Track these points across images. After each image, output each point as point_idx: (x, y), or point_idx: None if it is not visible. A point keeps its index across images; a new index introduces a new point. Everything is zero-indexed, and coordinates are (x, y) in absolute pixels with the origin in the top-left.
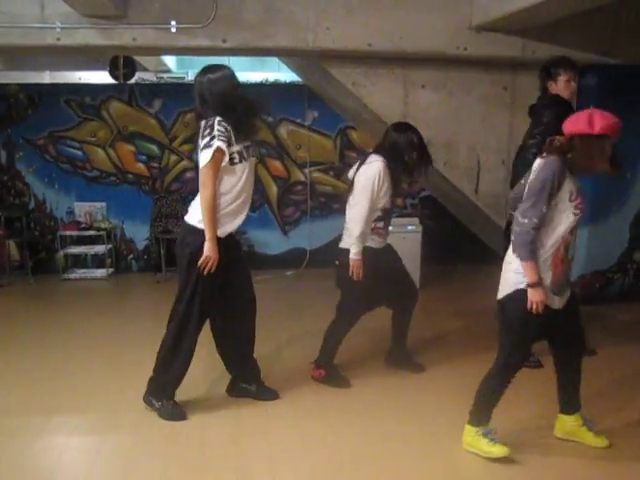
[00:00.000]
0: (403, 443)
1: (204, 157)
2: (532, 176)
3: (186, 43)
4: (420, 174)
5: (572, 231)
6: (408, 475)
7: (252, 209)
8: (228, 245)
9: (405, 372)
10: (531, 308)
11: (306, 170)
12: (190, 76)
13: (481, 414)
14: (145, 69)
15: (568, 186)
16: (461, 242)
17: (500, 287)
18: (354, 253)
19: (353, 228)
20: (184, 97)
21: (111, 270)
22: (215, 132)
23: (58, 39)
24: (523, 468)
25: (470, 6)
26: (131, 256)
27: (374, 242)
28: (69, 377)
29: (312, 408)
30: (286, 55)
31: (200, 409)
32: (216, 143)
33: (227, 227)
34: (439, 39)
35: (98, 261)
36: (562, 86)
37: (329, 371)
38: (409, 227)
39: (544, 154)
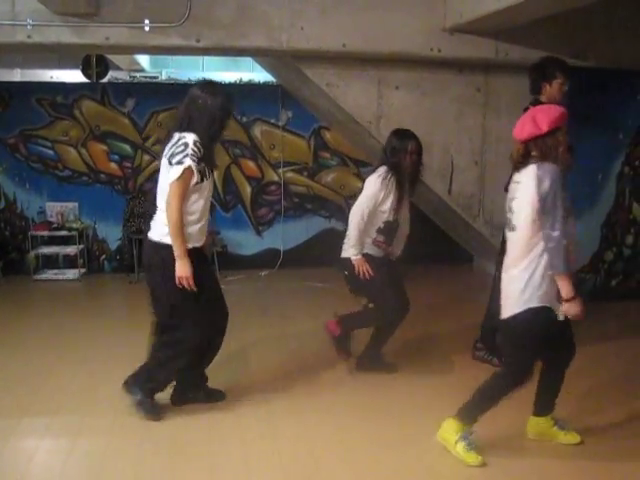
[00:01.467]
0: (377, 443)
1: (174, 173)
2: (536, 189)
3: (160, 42)
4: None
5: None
6: (383, 475)
7: (225, 209)
8: (198, 258)
9: (378, 373)
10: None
11: (280, 170)
12: (163, 75)
13: (470, 413)
14: (118, 68)
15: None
16: (434, 242)
17: (504, 304)
18: (353, 254)
19: (350, 233)
20: (157, 96)
21: (83, 271)
22: (189, 151)
23: (29, 36)
24: (500, 470)
25: (444, 8)
26: (103, 257)
27: (374, 251)
28: (39, 379)
29: (285, 408)
30: (260, 55)
31: (172, 410)
32: (188, 162)
33: (195, 243)
34: (413, 40)
35: (70, 262)
36: (556, 89)
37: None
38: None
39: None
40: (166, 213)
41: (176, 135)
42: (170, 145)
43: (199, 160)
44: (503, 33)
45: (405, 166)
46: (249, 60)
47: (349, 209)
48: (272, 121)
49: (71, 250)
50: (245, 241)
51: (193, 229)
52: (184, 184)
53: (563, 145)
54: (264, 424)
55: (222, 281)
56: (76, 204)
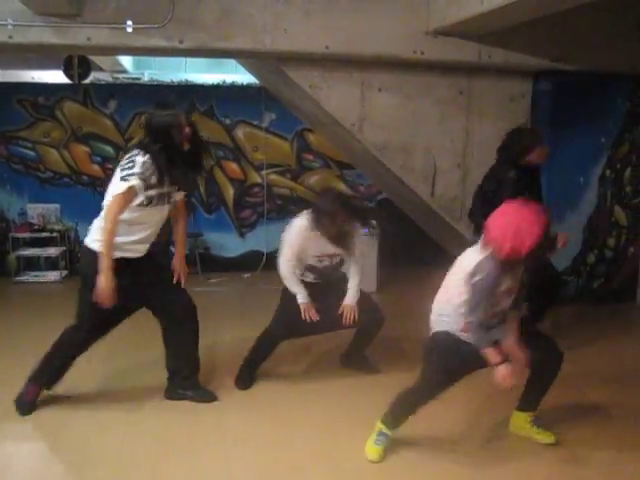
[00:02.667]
0: (357, 444)
1: (116, 189)
2: (476, 277)
3: (142, 43)
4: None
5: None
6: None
7: (208, 211)
8: (138, 268)
9: (360, 373)
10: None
11: (263, 172)
12: (146, 76)
13: (394, 420)
14: (101, 69)
15: (504, 282)
16: (418, 245)
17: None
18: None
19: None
20: (140, 98)
21: (65, 273)
22: (135, 170)
23: (10, 37)
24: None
25: (427, 11)
26: None
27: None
28: (18, 382)
29: (265, 408)
30: (243, 57)
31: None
32: (132, 181)
33: (128, 254)
34: (396, 43)
35: (51, 263)
36: (536, 156)
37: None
38: (366, 230)
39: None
40: (102, 226)
41: (135, 150)
42: (125, 158)
43: (148, 183)
44: (486, 36)
45: (330, 228)
46: (232, 62)
47: None
48: (255, 123)
49: (53, 252)
50: (228, 243)
51: (128, 239)
52: (123, 201)
53: (542, 247)
54: (245, 422)
55: (205, 283)
56: (58, 206)
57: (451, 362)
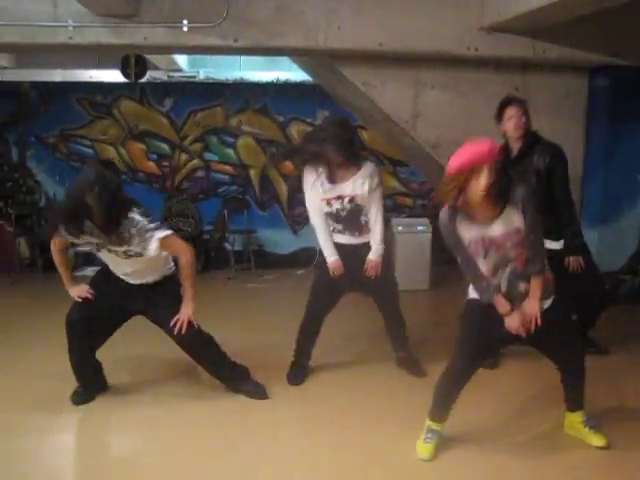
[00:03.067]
0: (408, 444)
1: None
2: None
3: (197, 42)
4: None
5: (494, 271)
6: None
7: (262, 208)
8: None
9: (410, 376)
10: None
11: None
12: (201, 75)
13: (438, 411)
14: (156, 68)
15: (464, 234)
16: None
17: None
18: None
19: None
20: (195, 96)
21: None
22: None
23: (70, 37)
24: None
25: (481, 7)
26: None
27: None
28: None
29: (317, 407)
30: (297, 54)
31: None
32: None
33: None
34: (449, 39)
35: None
36: (507, 127)
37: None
38: (419, 227)
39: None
40: None
41: None
42: None
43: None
44: (541, 32)
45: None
46: (286, 59)
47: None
48: (309, 120)
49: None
50: (281, 240)
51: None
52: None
53: (471, 187)
54: (298, 424)
55: (258, 279)
56: None
57: (473, 328)
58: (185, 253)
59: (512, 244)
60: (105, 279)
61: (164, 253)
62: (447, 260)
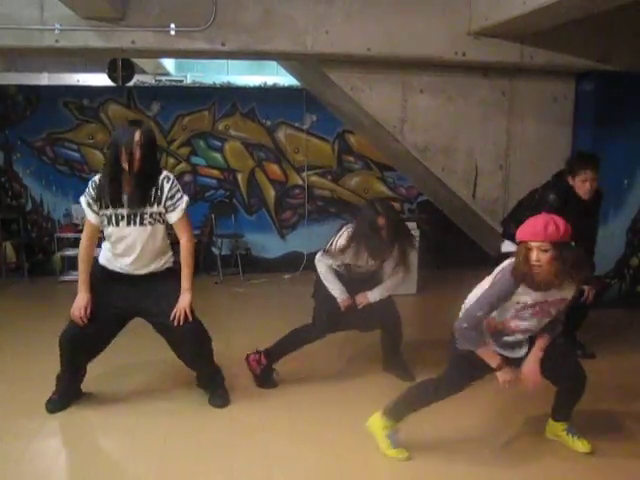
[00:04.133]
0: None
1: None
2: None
3: (185, 46)
4: (390, 254)
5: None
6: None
7: (249, 213)
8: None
9: (396, 379)
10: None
11: (304, 174)
12: (189, 79)
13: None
14: (144, 72)
15: (520, 297)
16: (458, 247)
17: None
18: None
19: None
20: (182, 100)
21: None
22: (86, 190)
23: (57, 41)
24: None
25: (469, 12)
26: None
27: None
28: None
29: (297, 409)
30: (285, 59)
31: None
32: (82, 199)
33: (115, 265)
34: (438, 44)
35: None
36: (577, 185)
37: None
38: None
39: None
40: None
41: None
42: None
43: (97, 200)
44: (528, 37)
45: (372, 239)
46: (273, 64)
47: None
48: (296, 125)
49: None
50: (269, 244)
51: (107, 248)
52: (86, 221)
53: (527, 260)
54: (282, 425)
55: (245, 284)
56: None
57: (461, 363)
58: (192, 234)
59: (556, 311)
60: (102, 283)
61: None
62: (432, 264)
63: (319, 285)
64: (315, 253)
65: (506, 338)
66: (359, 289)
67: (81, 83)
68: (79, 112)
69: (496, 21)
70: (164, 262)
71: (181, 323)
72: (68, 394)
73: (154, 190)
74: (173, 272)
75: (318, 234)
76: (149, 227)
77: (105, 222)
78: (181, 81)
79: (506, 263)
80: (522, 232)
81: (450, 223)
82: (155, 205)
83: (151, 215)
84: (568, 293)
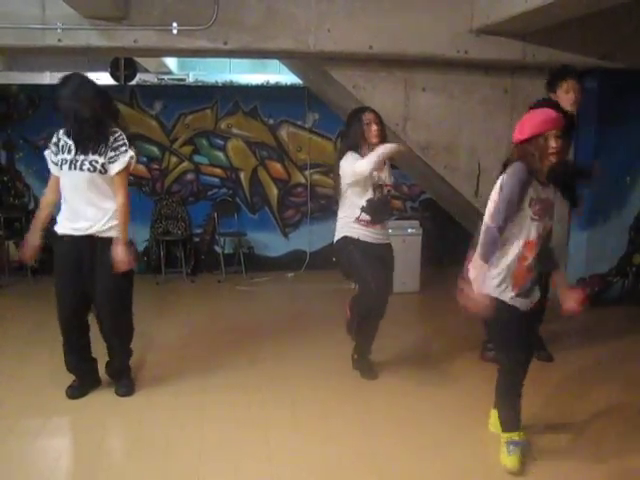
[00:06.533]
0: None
1: None
2: (498, 188)
3: (187, 45)
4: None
5: (538, 239)
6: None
7: (252, 211)
8: (75, 247)
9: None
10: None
11: (306, 172)
12: (191, 78)
13: (507, 420)
14: (146, 70)
15: (530, 192)
16: (461, 244)
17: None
18: None
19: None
20: (185, 99)
21: None
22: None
23: (59, 40)
24: None
25: (471, 9)
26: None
27: (357, 234)
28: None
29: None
30: (287, 57)
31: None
32: (46, 150)
33: (64, 225)
34: (440, 42)
35: None
36: (561, 98)
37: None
38: (409, 229)
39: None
40: None
41: None
42: None
43: (57, 150)
44: (530, 34)
45: (367, 138)
46: (276, 62)
47: None
48: (299, 123)
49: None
50: (272, 243)
51: (63, 209)
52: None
53: (544, 150)
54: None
55: (248, 282)
56: None
57: (511, 329)
58: (127, 196)
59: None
60: (64, 260)
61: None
62: (435, 262)
63: (342, 256)
64: (318, 251)
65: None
66: (385, 211)
67: None
68: None
69: (498, 19)
70: (106, 223)
71: (121, 270)
72: (86, 381)
73: (100, 140)
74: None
75: (321, 232)
76: (87, 173)
77: (58, 170)
78: (183, 80)
79: (507, 171)
80: (536, 124)
81: (453, 221)
82: (97, 154)
83: (91, 162)
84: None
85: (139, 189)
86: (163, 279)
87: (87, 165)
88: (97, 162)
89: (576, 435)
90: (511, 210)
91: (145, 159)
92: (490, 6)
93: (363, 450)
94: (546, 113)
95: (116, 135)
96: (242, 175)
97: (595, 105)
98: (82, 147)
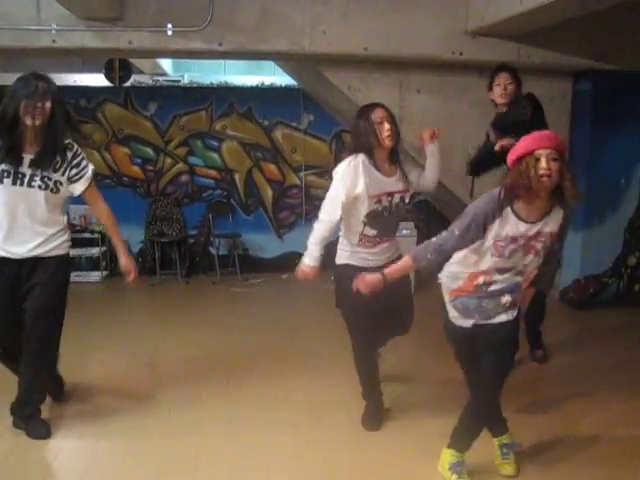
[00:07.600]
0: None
1: None
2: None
3: (182, 46)
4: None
5: (496, 272)
6: None
7: (247, 212)
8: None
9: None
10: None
11: (301, 174)
12: (186, 79)
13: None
14: (141, 72)
15: (501, 228)
16: None
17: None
18: (305, 258)
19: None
20: (180, 100)
21: (105, 273)
22: None
23: (54, 41)
24: None
25: (466, 11)
26: None
27: (359, 261)
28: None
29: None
30: (282, 59)
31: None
32: None
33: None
34: (435, 44)
35: (92, 264)
36: (494, 92)
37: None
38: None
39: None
40: None
41: None
42: None
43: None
44: (525, 36)
45: (380, 139)
46: (270, 64)
47: None
48: (293, 124)
49: (94, 252)
50: (266, 244)
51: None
52: None
53: (535, 171)
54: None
55: (243, 284)
56: None
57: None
58: (102, 197)
59: (542, 247)
60: None
61: (64, 218)
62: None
63: (341, 287)
64: None
65: (492, 288)
66: (393, 223)
67: (78, 83)
68: (76, 112)
69: (493, 21)
70: (50, 244)
71: (134, 278)
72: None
73: (57, 155)
74: (62, 263)
75: None
76: (36, 191)
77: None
78: (178, 81)
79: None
80: (526, 144)
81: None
82: (53, 172)
83: (43, 179)
84: (554, 225)
85: (134, 190)
86: (158, 280)
87: (37, 182)
88: (50, 179)
89: (568, 436)
90: (461, 241)
91: (140, 161)
92: (485, 8)
93: (361, 460)
94: (542, 132)
95: (74, 150)
96: (237, 176)
97: (590, 107)
98: (36, 161)
